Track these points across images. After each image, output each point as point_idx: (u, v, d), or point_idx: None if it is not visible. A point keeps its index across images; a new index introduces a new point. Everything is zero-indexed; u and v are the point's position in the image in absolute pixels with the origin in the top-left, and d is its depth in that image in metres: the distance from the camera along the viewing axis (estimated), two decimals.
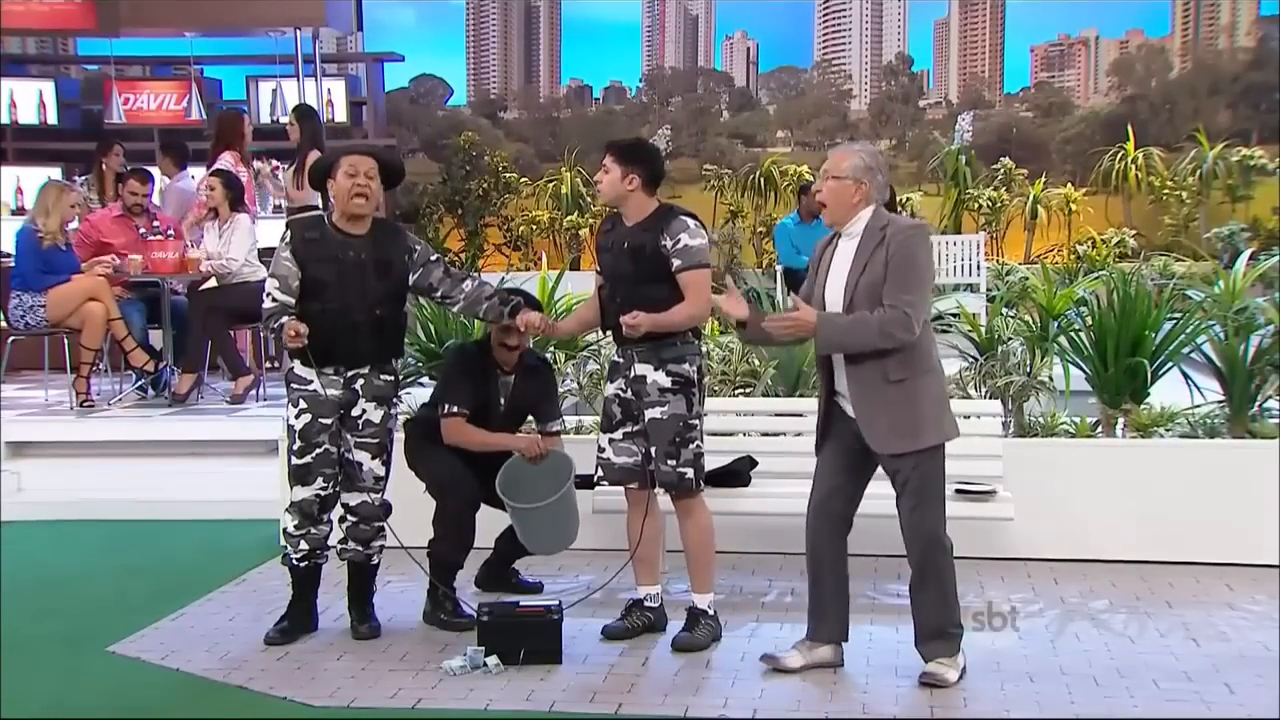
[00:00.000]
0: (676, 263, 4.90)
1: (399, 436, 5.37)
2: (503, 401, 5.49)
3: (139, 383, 9.01)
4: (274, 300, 5.02)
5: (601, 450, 5.12)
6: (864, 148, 4.68)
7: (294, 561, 5.18)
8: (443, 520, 5.35)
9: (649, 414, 4.98)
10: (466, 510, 5.35)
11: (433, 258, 5.19)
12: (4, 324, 8.91)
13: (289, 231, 5.11)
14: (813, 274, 4.74)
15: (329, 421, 5.05)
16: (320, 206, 8.36)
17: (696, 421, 5.03)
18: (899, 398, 4.48)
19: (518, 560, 5.77)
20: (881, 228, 4.53)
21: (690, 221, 4.97)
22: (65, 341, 9.03)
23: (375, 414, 5.11)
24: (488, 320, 5.26)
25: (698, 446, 5.04)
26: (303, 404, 5.04)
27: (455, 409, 5.40)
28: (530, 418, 5.66)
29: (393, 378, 5.19)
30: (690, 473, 5.00)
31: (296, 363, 5.06)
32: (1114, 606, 5.55)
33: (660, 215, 4.99)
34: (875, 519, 4.86)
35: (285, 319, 4.94)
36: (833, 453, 4.73)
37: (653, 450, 5.00)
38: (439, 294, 5.20)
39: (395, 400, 5.24)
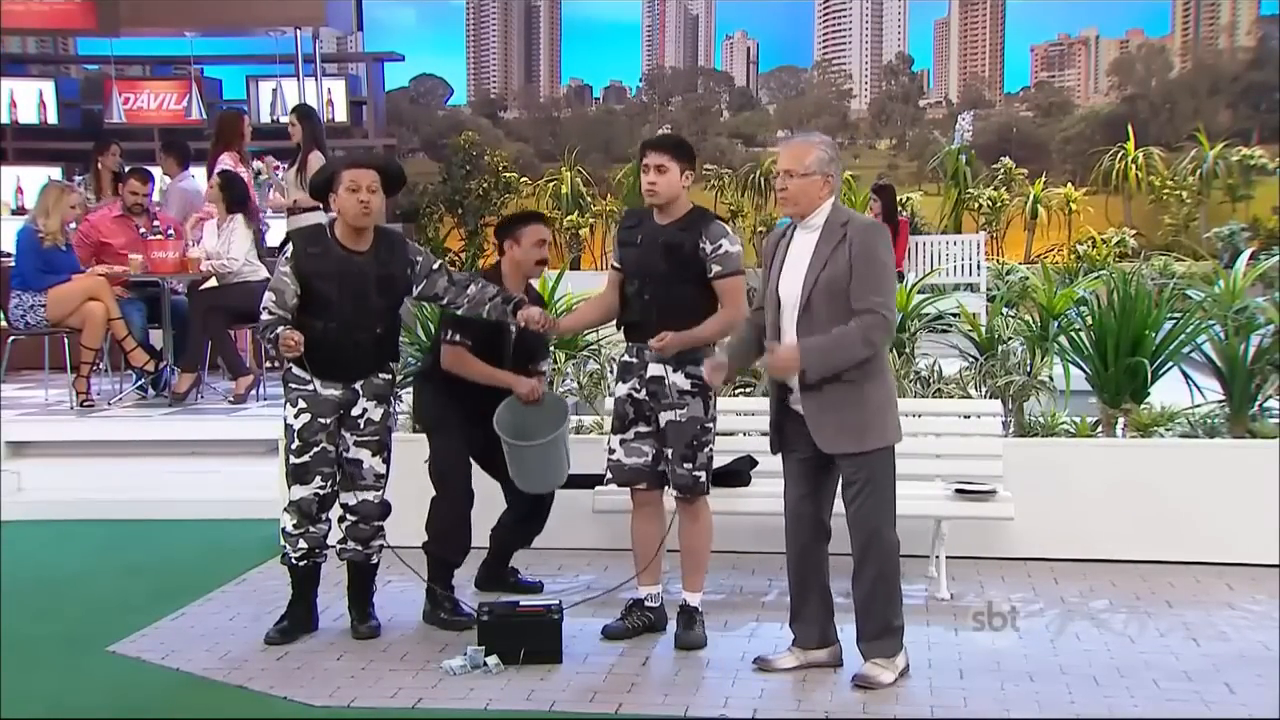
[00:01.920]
0: (716, 268, 4.88)
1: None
2: (514, 331, 5.43)
3: (139, 382, 9.02)
4: (270, 314, 5.02)
5: (611, 451, 5.09)
6: (821, 139, 4.63)
7: (293, 561, 5.18)
8: (439, 519, 5.36)
9: (666, 416, 4.96)
10: (463, 508, 5.36)
11: (435, 266, 5.18)
12: (4, 323, 8.92)
13: (290, 245, 5.11)
14: (767, 267, 4.70)
15: (328, 421, 5.06)
16: (323, 207, 8.37)
17: (711, 425, 5.01)
18: (847, 399, 4.46)
19: (517, 559, 5.78)
20: (842, 224, 4.50)
21: (728, 228, 4.97)
22: (65, 341, 9.04)
23: (376, 412, 5.12)
24: (491, 319, 5.25)
25: (711, 450, 5.03)
26: (302, 403, 5.05)
27: (459, 338, 5.37)
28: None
29: (390, 376, 5.21)
30: (703, 475, 5.00)
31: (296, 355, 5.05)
32: (1114, 606, 5.55)
33: (698, 216, 4.97)
34: None
35: (281, 329, 4.95)
36: (794, 460, 4.71)
37: (668, 452, 4.98)
38: (445, 302, 5.21)
39: (394, 398, 5.25)
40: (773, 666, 4.77)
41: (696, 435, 4.95)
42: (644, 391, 4.99)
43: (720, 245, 4.89)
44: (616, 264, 5.13)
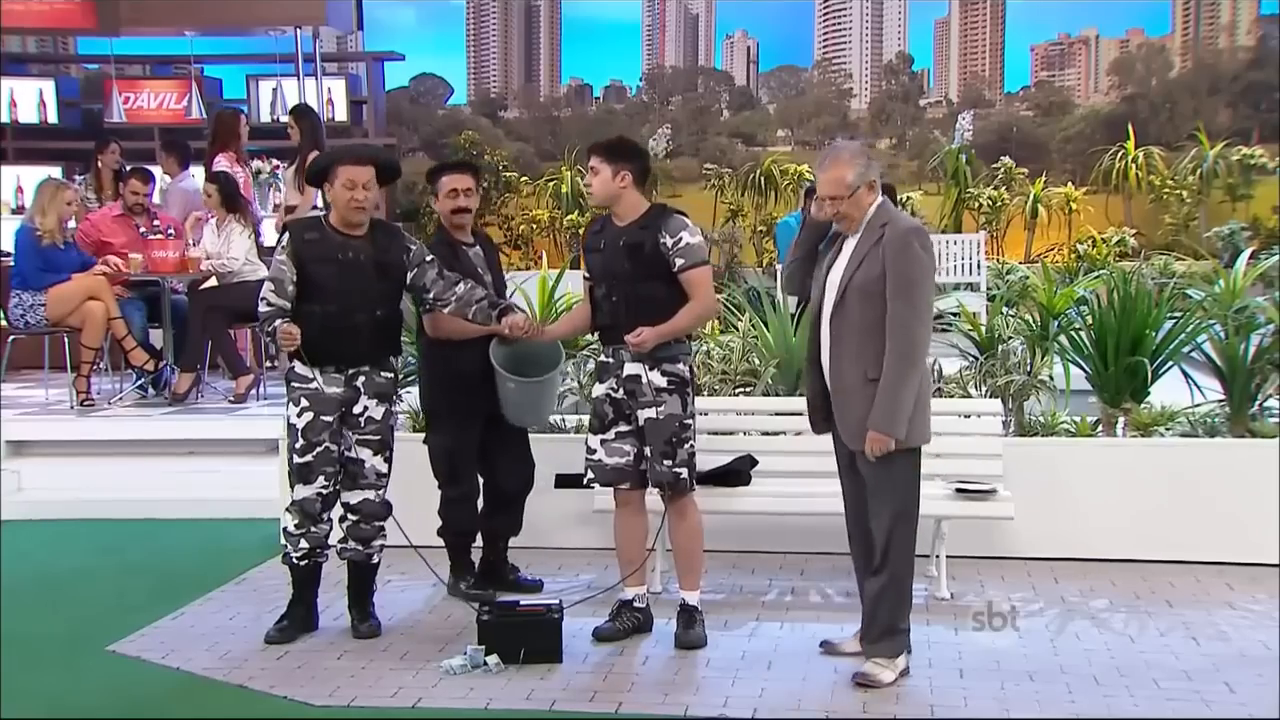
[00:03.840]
0: (679, 261, 4.91)
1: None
2: (483, 273, 5.52)
3: (139, 382, 9.01)
4: (269, 305, 5.03)
5: (592, 451, 5.11)
6: (850, 151, 4.63)
7: (294, 560, 5.18)
8: (447, 504, 5.54)
9: (644, 414, 4.97)
10: (468, 491, 5.54)
11: (427, 258, 5.21)
12: (4, 323, 8.91)
13: (287, 234, 5.13)
14: (821, 254, 4.73)
15: (331, 419, 5.06)
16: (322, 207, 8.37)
17: (691, 421, 5.03)
18: (871, 396, 4.48)
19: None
20: (882, 225, 4.52)
21: (687, 220, 5.00)
22: (65, 340, 9.03)
23: (377, 410, 5.12)
24: (476, 322, 5.25)
25: (692, 446, 5.04)
26: (305, 402, 5.05)
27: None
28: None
29: (392, 374, 5.21)
30: (685, 472, 5.01)
31: (297, 362, 5.07)
32: (1114, 605, 5.54)
33: (656, 213, 5.01)
34: None
35: (279, 322, 4.96)
36: (845, 454, 4.74)
37: (648, 450, 5.00)
38: (431, 295, 5.21)
39: (396, 397, 5.25)
40: (838, 650, 4.84)
41: (676, 432, 4.96)
42: (621, 391, 5.02)
43: (680, 238, 4.92)
44: (585, 273, 5.18)
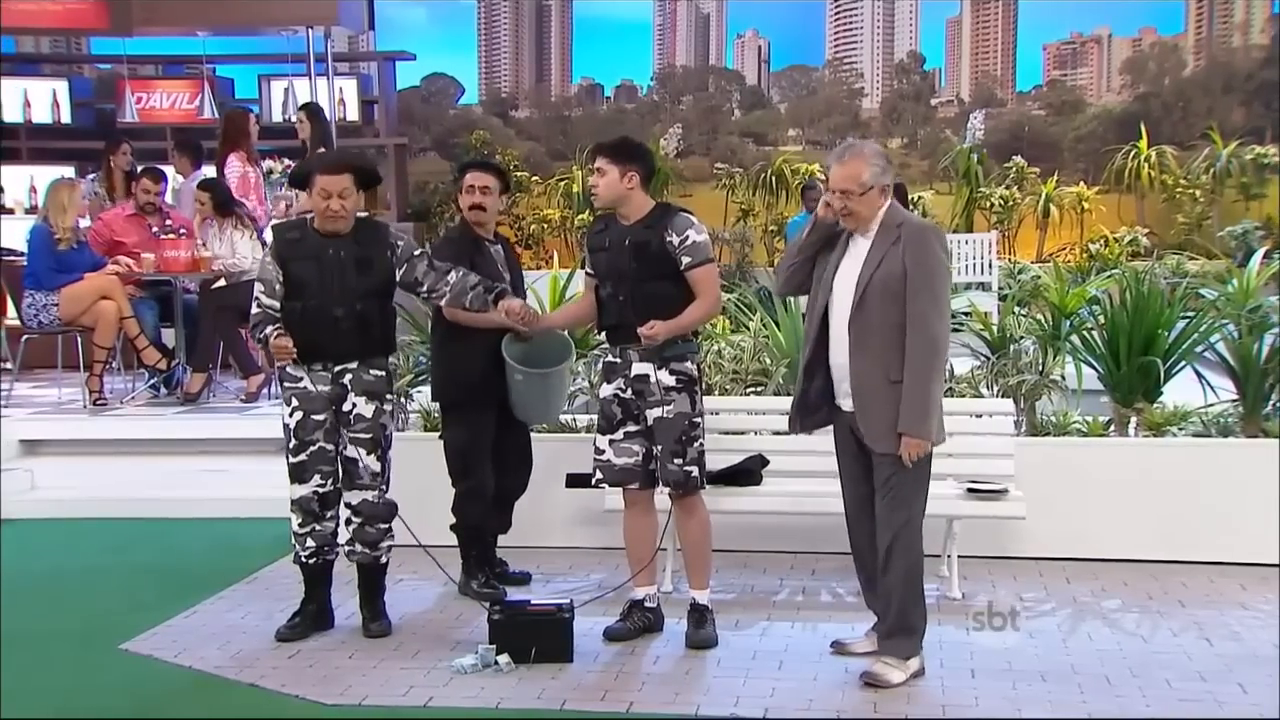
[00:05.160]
0: (686, 260, 4.92)
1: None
2: (504, 271, 5.53)
3: (151, 381, 9.04)
4: (260, 306, 5.08)
5: (600, 452, 5.10)
6: (871, 150, 4.63)
7: (303, 560, 5.19)
8: (460, 498, 5.54)
9: (653, 413, 4.97)
10: (481, 486, 5.52)
11: (416, 253, 5.21)
12: (18, 322, 8.94)
13: (272, 235, 5.18)
14: (821, 268, 4.72)
15: (321, 417, 5.07)
16: None
17: (699, 420, 5.03)
18: (894, 397, 4.49)
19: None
20: (897, 225, 4.55)
21: (693, 218, 5.00)
22: (78, 340, 9.07)
23: (366, 408, 5.11)
24: (473, 309, 5.24)
25: (701, 445, 5.04)
26: (295, 401, 5.07)
27: None
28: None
29: (383, 373, 5.19)
30: (695, 471, 5.01)
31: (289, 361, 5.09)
32: (1126, 606, 5.53)
33: (661, 212, 5.01)
34: None
35: (270, 329, 5.00)
36: (847, 458, 4.76)
37: (657, 449, 5.00)
38: (425, 288, 5.20)
39: (389, 396, 5.22)
40: (849, 650, 4.85)
41: (685, 431, 4.96)
42: (629, 391, 5.02)
43: (687, 236, 4.92)
44: (589, 270, 5.17)
